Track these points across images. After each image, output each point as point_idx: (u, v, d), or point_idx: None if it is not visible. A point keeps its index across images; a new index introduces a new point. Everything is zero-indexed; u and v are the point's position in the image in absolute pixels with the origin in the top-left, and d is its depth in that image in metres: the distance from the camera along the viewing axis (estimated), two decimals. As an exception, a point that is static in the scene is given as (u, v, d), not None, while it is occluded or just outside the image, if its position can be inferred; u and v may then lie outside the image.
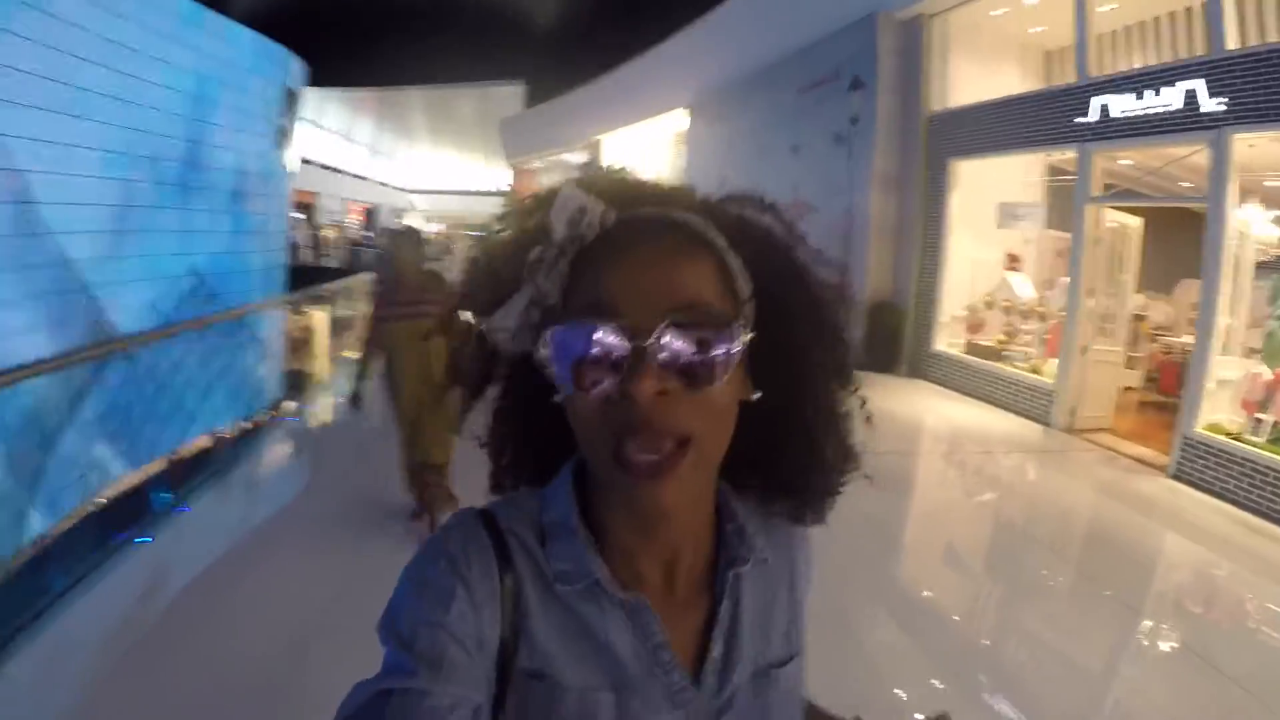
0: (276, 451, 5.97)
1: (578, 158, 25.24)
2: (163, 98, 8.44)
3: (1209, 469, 6.14)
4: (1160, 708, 3.28)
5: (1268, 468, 5.69)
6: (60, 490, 6.93)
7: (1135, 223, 8.25)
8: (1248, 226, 6.74)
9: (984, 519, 5.91)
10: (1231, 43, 6.46)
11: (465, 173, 36.93)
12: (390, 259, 4.52)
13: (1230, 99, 6.29)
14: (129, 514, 5.78)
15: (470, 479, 2.69)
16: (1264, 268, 6.89)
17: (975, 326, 9.86)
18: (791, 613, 0.73)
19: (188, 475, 6.58)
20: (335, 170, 28.41)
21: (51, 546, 5.81)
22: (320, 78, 11.91)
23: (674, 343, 0.54)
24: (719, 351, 0.55)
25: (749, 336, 0.57)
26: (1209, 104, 6.42)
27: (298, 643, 3.10)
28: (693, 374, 0.55)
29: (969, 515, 5.95)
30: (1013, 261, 10.02)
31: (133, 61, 7.87)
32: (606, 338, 0.54)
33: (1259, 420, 6.04)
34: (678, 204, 0.63)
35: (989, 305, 9.82)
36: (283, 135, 11.29)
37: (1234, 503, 5.89)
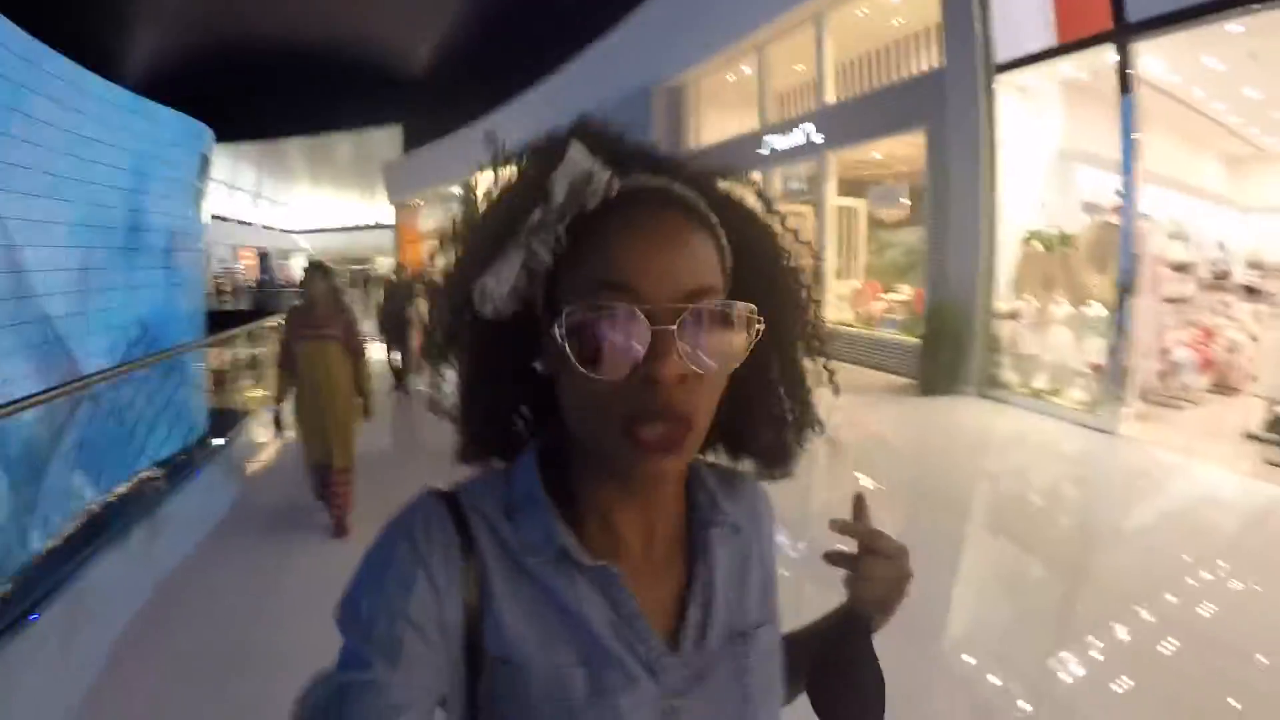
0: (207, 478, 6.91)
1: (459, 192, 26.83)
2: (111, 176, 9.87)
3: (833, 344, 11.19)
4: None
5: (855, 336, 9.87)
6: (50, 513, 8.20)
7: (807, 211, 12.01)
8: (858, 207, 11.60)
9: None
10: (829, 98, 10.97)
11: (344, 211, 37.83)
12: (303, 290, 4.75)
13: (827, 133, 10.62)
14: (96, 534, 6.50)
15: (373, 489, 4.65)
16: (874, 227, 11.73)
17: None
18: (764, 578, 0.72)
19: (138, 501, 7.76)
20: (222, 219, 29.06)
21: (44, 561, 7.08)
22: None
23: (695, 329, 0.54)
24: (734, 338, 0.56)
25: (759, 324, 0.57)
26: (817, 138, 10.77)
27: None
28: (708, 360, 0.55)
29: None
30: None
31: (89, 148, 9.33)
32: (631, 320, 0.52)
33: (857, 312, 10.60)
34: (672, 172, 0.61)
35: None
36: (199, 196, 12.73)
37: (844, 360, 9.11)
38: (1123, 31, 6.44)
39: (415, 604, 0.55)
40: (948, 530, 4.50)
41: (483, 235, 0.60)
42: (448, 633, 0.57)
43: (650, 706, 0.59)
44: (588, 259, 0.55)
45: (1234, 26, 5.95)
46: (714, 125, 14.34)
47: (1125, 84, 6.48)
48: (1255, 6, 5.45)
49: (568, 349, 0.53)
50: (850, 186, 11.44)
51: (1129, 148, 6.54)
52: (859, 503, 0.73)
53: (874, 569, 0.70)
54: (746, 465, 0.73)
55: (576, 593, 0.59)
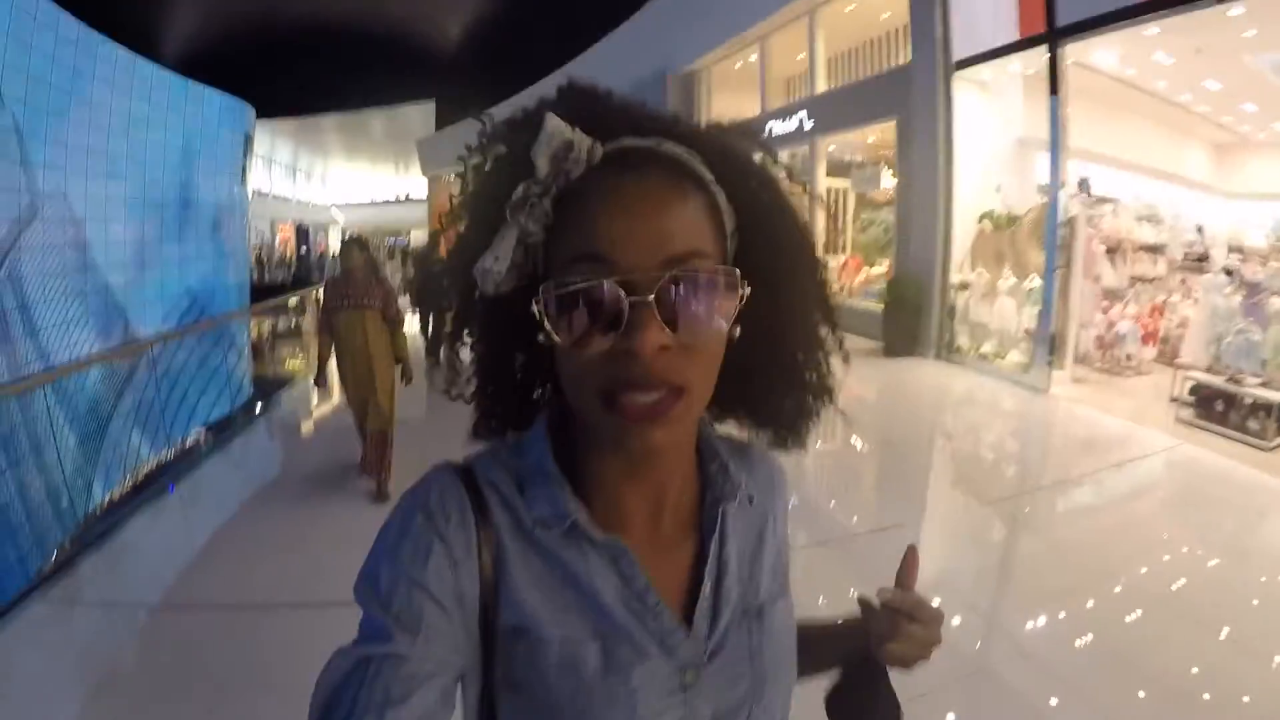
0: (257, 436, 7.27)
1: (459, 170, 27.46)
2: (163, 156, 10.57)
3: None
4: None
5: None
6: (111, 467, 8.91)
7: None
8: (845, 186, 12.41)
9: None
10: (820, 87, 11.60)
11: (379, 185, 38.45)
12: (340, 260, 4.97)
13: (817, 120, 11.24)
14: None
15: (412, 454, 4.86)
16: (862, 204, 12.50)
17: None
18: (776, 550, 0.71)
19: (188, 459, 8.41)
20: (261, 194, 29.87)
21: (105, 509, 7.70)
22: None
23: (675, 297, 0.52)
24: (718, 304, 0.54)
25: (745, 289, 0.55)
26: (808, 124, 11.43)
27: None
28: (693, 328, 0.52)
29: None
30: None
31: (143, 130, 10.01)
32: (605, 293, 0.51)
33: (841, 284, 11.21)
34: (662, 131, 0.58)
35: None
36: (243, 173, 13.43)
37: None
38: (1053, 34, 6.99)
39: (433, 576, 0.55)
40: (902, 465, 5.71)
41: (476, 215, 0.60)
42: (464, 605, 0.56)
43: (664, 681, 0.58)
44: (569, 231, 0.54)
45: (1152, 29, 6.44)
46: (723, 110, 14.88)
47: (1054, 84, 7.15)
48: (1163, 11, 5.92)
49: (547, 325, 0.53)
50: (843, 168, 12.48)
51: (1056, 140, 7.17)
52: (909, 557, 0.71)
53: (910, 634, 0.69)
54: (763, 435, 0.70)
55: (588, 566, 0.59)
